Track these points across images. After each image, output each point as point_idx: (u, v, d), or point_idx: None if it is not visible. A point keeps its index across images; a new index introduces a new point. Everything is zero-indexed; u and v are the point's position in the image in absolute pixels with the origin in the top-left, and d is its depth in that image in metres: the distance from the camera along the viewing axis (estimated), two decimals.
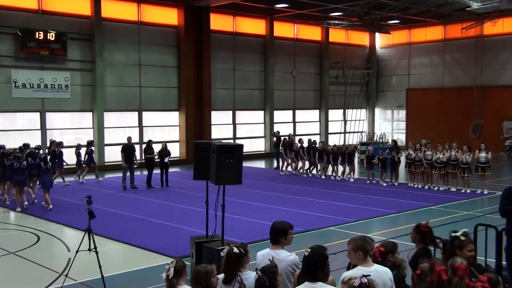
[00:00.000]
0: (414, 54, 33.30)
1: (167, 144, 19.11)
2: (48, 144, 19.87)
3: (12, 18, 20.73)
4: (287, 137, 22.41)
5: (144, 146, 20.25)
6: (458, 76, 31.28)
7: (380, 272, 4.55)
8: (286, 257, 5.26)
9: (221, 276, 4.82)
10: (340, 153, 20.03)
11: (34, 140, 21.32)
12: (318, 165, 20.91)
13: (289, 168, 21.93)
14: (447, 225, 11.98)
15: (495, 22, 27.39)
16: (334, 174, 20.37)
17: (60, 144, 18.51)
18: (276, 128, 28.01)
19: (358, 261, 4.63)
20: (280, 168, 22.24)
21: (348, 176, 20.01)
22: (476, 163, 16.80)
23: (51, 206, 14.33)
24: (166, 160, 18.10)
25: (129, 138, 18.74)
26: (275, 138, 24.33)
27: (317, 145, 21.33)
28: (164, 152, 18.22)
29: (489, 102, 29.49)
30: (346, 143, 28.72)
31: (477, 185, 16.92)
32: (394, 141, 21.89)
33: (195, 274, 4.51)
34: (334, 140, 30.57)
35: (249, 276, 4.76)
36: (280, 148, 22.16)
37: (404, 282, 5.00)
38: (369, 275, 3.94)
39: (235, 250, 4.80)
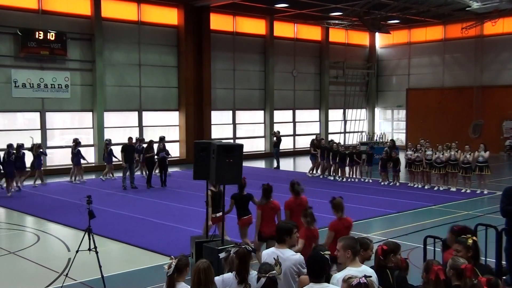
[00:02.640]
0: (414, 54, 33.29)
1: (165, 144, 19.18)
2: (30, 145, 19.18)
3: (12, 18, 20.73)
4: (315, 138, 21.90)
5: (145, 146, 20.19)
6: (458, 76, 31.27)
7: (369, 273, 4.57)
8: (291, 256, 5.26)
9: (227, 275, 4.80)
10: (348, 154, 19.86)
11: (35, 140, 21.34)
12: (331, 166, 20.48)
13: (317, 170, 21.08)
14: (447, 225, 11.97)
15: (495, 22, 27.39)
16: (342, 175, 20.12)
17: (39, 146, 18.75)
18: (276, 128, 28.00)
19: (346, 260, 4.65)
20: (312, 171, 21.26)
21: (364, 177, 19.82)
22: (475, 163, 16.81)
23: (9, 194, 16.53)
24: (161, 155, 18.13)
25: (129, 138, 18.76)
26: (275, 138, 24.30)
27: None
28: (163, 151, 18.27)
29: (489, 102, 29.48)
30: (351, 143, 28.59)
31: (477, 185, 16.93)
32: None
33: (204, 271, 4.36)
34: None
35: (253, 276, 4.73)
36: (310, 148, 21.61)
37: (406, 281, 5.00)
38: (371, 276, 3.94)
39: (249, 248, 4.77)
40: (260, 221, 8.31)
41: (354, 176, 19.98)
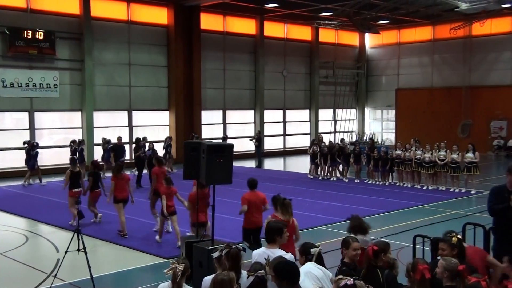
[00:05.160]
0: (403, 54, 33.48)
1: (154, 143, 19.19)
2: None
3: (0, 17, 20.53)
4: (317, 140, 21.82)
5: (134, 145, 20.16)
6: (447, 76, 31.50)
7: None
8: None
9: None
10: (327, 154, 19.90)
11: (22, 140, 21.20)
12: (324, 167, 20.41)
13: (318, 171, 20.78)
14: (435, 224, 12.07)
15: (483, 23, 27.65)
16: (333, 174, 20.23)
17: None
18: (266, 128, 27.97)
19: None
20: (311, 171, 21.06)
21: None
22: (464, 163, 16.93)
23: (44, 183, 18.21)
24: (147, 153, 18.15)
25: (119, 138, 18.71)
26: (256, 142, 24.45)
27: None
28: (149, 150, 18.30)
29: (477, 102, 29.73)
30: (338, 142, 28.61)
31: (465, 185, 17.05)
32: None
33: (220, 283, 4.25)
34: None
35: (243, 276, 4.73)
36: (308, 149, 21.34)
37: (395, 281, 5.02)
38: (359, 278, 3.97)
39: (241, 248, 4.77)
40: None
41: (337, 175, 20.12)
